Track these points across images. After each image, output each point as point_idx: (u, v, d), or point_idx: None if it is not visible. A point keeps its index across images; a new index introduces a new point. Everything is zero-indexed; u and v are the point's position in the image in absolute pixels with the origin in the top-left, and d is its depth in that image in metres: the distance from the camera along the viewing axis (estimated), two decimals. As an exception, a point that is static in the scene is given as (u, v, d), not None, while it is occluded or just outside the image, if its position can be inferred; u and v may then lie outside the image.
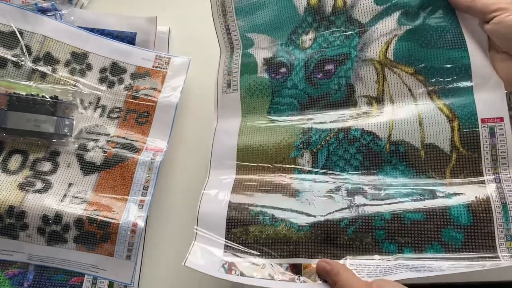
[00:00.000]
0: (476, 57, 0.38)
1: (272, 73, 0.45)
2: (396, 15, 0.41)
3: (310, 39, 0.44)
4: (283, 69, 0.45)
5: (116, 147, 0.49)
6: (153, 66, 0.54)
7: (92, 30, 0.54)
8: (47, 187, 0.46)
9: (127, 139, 0.50)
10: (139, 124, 0.52)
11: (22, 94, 0.47)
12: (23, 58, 0.50)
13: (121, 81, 0.53)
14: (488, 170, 0.36)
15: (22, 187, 0.45)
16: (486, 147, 0.36)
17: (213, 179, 0.45)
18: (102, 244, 0.44)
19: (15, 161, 0.47)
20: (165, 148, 0.50)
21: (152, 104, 0.52)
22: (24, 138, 0.47)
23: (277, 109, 0.45)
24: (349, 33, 0.42)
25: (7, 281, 0.44)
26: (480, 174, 0.36)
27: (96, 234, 0.44)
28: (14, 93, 0.47)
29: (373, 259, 0.36)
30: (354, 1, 0.42)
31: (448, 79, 0.38)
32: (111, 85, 0.53)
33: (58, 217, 0.44)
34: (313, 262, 0.37)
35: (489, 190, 0.36)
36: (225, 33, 0.48)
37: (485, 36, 0.38)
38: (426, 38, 0.39)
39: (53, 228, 0.44)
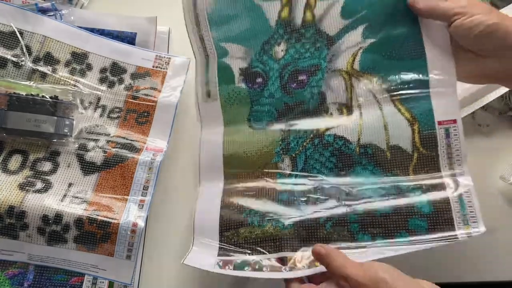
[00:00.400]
0: (434, 66, 0.42)
1: (249, 83, 0.49)
2: (360, 28, 0.44)
3: (283, 50, 0.47)
4: (259, 79, 0.48)
5: (116, 147, 0.49)
6: (153, 66, 0.54)
7: (92, 30, 0.54)
8: (47, 187, 0.46)
9: (127, 139, 0.50)
10: (139, 124, 0.52)
11: (22, 94, 0.47)
12: (23, 58, 0.50)
13: (121, 81, 0.53)
14: (445, 167, 0.41)
15: (22, 187, 0.45)
16: (443, 147, 0.41)
17: (204, 188, 0.48)
18: (102, 244, 0.44)
19: (15, 161, 0.47)
20: (165, 148, 0.50)
21: (152, 104, 0.52)
22: (24, 138, 0.47)
23: (257, 117, 0.48)
24: (318, 45, 0.46)
25: (7, 281, 0.44)
26: (439, 170, 0.41)
27: (96, 234, 0.44)
28: (14, 93, 0.47)
29: (349, 248, 0.40)
30: (322, 15, 0.46)
31: (409, 87, 0.43)
32: (111, 85, 0.53)
33: (58, 217, 0.44)
34: (296, 255, 0.41)
35: (446, 183, 0.40)
36: (199, 42, 0.50)
37: (446, 41, 0.41)
38: (388, 50, 0.43)
39: (53, 228, 0.44)
